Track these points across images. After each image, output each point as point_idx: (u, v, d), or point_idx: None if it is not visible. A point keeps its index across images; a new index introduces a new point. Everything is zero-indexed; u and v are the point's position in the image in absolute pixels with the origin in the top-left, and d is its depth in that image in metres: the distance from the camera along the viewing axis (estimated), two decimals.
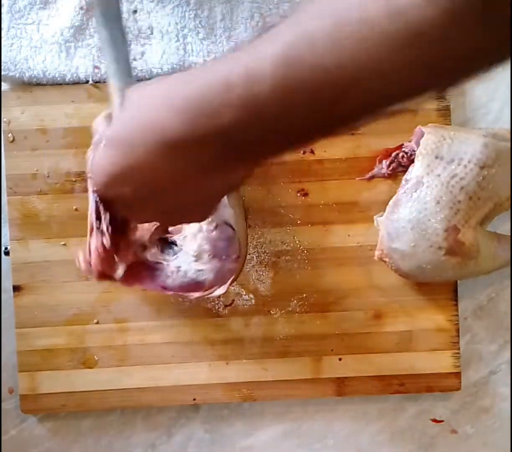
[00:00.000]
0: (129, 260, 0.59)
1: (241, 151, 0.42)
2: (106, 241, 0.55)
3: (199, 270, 0.62)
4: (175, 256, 0.62)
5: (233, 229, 0.61)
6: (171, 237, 0.62)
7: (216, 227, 0.62)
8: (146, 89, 0.45)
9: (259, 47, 0.39)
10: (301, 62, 0.37)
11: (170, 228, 0.62)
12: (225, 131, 0.40)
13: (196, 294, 0.61)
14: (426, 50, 0.36)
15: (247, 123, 0.40)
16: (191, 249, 0.61)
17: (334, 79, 0.37)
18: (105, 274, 0.57)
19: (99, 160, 0.46)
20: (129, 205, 0.48)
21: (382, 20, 0.35)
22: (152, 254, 0.61)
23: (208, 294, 0.61)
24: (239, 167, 0.44)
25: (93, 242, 0.57)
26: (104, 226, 0.55)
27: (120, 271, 0.57)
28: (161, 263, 0.62)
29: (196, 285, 0.62)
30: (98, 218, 0.56)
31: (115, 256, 0.57)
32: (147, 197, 0.46)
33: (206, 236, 0.62)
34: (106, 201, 0.50)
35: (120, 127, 0.45)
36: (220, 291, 0.61)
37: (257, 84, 0.38)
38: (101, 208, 0.53)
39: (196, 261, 0.62)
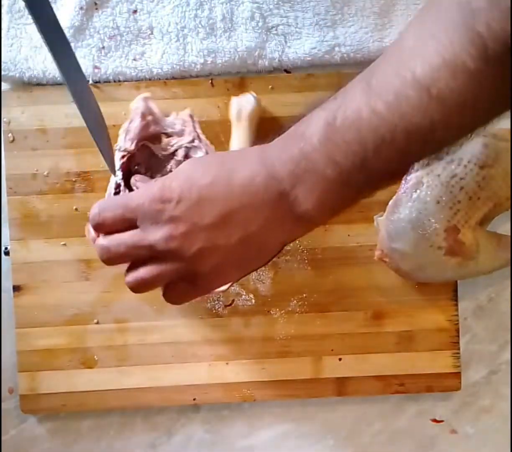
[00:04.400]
0: None
1: (290, 204, 0.48)
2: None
3: None
4: None
5: None
6: None
7: None
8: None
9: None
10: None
11: None
12: (278, 183, 0.47)
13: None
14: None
15: (297, 177, 0.46)
16: None
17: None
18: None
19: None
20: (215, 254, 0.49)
21: (468, 63, 0.39)
22: None
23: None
24: (288, 222, 0.49)
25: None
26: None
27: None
28: None
29: None
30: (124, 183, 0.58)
31: None
32: (192, 217, 0.48)
33: None
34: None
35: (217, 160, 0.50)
36: (227, 285, 0.60)
37: (304, 141, 0.46)
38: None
39: None
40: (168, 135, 0.62)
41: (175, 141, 0.61)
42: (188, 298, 0.53)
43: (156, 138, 0.62)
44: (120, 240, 0.50)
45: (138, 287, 0.51)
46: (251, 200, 0.48)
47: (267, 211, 0.48)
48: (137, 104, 0.61)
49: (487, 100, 0.41)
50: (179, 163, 0.61)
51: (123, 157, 0.60)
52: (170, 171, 0.61)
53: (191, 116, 0.62)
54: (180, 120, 0.62)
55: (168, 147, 0.61)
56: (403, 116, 0.42)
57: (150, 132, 0.61)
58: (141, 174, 0.61)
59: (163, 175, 0.61)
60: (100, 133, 0.56)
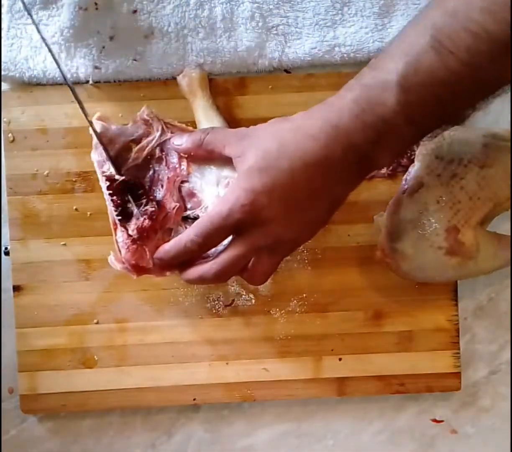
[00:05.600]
0: (159, 246, 0.59)
1: (368, 164, 0.51)
2: (133, 232, 0.57)
3: None
4: None
5: None
6: (193, 212, 0.61)
7: (228, 184, 0.62)
8: (274, 125, 0.54)
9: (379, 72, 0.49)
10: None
11: (189, 205, 0.61)
12: (356, 149, 0.50)
13: None
14: None
15: (375, 141, 0.49)
16: None
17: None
18: (141, 268, 0.58)
19: (242, 185, 0.52)
20: (266, 223, 0.52)
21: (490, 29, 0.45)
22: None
23: None
24: (363, 176, 0.53)
25: (120, 239, 0.57)
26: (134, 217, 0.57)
27: (152, 260, 0.58)
28: None
29: None
30: (119, 214, 0.57)
31: (144, 247, 0.57)
32: (285, 213, 0.52)
33: None
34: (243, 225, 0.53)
35: (261, 157, 0.51)
36: None
37: (381, 107, 0.48)
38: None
39: None
40: (137, 141, 0.61)
41: (145, 143, 0.61)
42: (273, 269, 0.56)
43: (127, 149, 0.61)
44: (230, 256, 0.53)
45: (265, 279, 0.56)
46: (331, 175, 0.51)
47: (348, 177, 0.52)
48: (94, 127, 0.60)
49: None
50: (160, 159, 0.60)
51: (109, 187, 0.59)
52: (155, 172, 0.61)
53: (149, 112, 0.61)
54: (140, 121, 0.61)
55: (142, 152, 0.61)
56: (478, 69, 0.46)
57: (117, 147, 0.60)
58: (131, 185, 0.60)
59: (151, 178, 0.61)
60: None
